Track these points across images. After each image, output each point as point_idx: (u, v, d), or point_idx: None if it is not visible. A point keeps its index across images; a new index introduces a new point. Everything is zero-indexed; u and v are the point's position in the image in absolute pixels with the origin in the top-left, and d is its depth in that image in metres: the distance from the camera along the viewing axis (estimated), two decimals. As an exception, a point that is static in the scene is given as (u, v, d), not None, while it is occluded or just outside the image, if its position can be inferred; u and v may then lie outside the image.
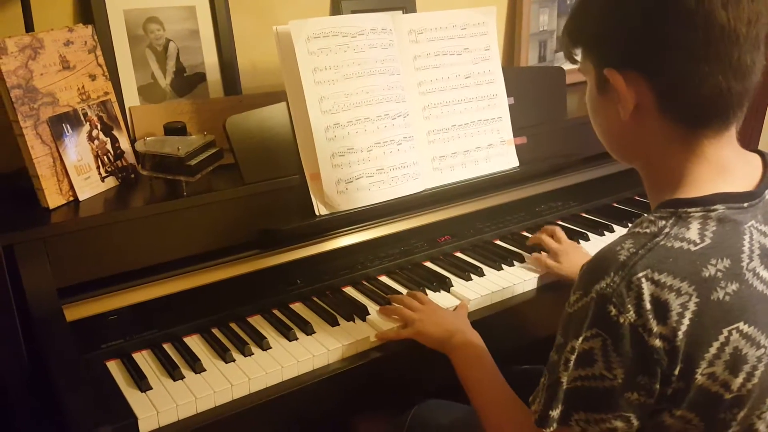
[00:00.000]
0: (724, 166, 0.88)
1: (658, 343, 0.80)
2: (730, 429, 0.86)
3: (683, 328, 0.80)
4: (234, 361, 1.21)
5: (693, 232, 0.84)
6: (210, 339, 1.27)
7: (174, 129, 1.43)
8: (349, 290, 1.46)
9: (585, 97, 0.99)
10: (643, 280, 0.81)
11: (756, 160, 0.93)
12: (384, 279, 1.50)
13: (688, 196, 0.87)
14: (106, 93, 1.40)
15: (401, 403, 1.37)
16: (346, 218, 1.45)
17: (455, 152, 1.59)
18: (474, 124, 1.62)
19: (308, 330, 1.29)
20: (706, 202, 0.85)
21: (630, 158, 0.97)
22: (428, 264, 1.57)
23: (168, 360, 1.20)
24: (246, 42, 1.70)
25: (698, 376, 0.82)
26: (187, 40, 1.62)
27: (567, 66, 1.65)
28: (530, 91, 1.73)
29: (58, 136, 1.28)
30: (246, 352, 1.23)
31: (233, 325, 1.32)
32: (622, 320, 0.81)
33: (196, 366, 1.18)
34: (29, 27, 1.39)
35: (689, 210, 0.85)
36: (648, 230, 0.85)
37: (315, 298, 1.42)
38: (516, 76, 1.71)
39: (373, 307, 1.38)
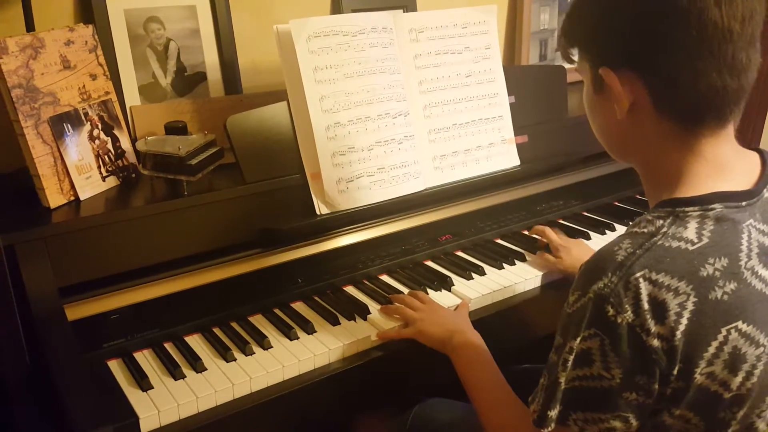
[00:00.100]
0: (723, 164, 0.88)
1: (656, 343, 0.80)
2: (730, 428, 0.86)
3: (681, 327, 0.80)
4: (235, 360, 1.21)
5: (690, 231, 0.83)
6: (211, 338, 1.27)
7: (175, 128, 1.43)
8: (350, 289, 1.46)
9: (582, 97, 0.99)
10: (641, 280, 0.81)
11: (755, 158, 0.93)
12: (385, 278, 1.50)
13: (686, 195, 0.87)
14: (107, 92, 1.40)
15: (402, 402, 1.37)
16: (347, 217, 1.44)
17: (456, 151, 1.59)
18: (475, 122, 1.61)
19: (309, 329, 1.29)
20: (704, 202, 0.85)
21: (628, 157, 0.97)
22: (429, 263, 1.57)
23: (169, 359, 1.20)
24: (246, 41, 1.70)
25: (697, 376, 0.82)
26: (187, 40, 1.62)
27: (568, 65, 1.64)
28: (531, 90, 1.73)
29: (59, 136, 1.28)
30: (247, 352, 1.23)
31: (234, 325, 1.32)
32: (620, 320, 0.81)
33: (197, 365, 1.18)
34: (30, 26, 1.39)
35: (687, 209, 0.85)
36: (645, 230, 0.85)
37: (316, 297, 1.42)
38: (517, 75, 1.71)
39: (374, 307, 1.38)
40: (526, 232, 1.70)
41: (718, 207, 0.85)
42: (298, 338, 1.28)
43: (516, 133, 1.68)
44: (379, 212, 1.49)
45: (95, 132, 1.36)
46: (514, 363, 1.45)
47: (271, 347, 1.25)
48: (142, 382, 1.14)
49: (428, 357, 1.26)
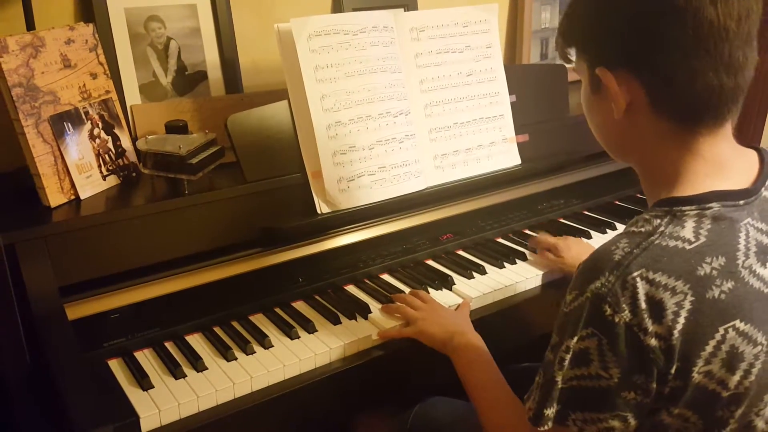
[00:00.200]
0: (721, 163, 0.88)
1: (653, 342, 0.80)
2: (728, 426, 0.86)
3: (679, 326, 0.80)
4: (236, 359, 1.21)
5: (688, 230, 0.83)
6: (212, 337, 1.27)
7: (175, 127, 1.43)
8: (351, 288, 1.46)
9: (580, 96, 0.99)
10: (638, 279, 0.81)
11: (753, 157, 0.93)
12: (386, 277, 1.50)
13: (684, 194, 0.87)
14: (108, 91, 1.40)
15: (403, 401, 1.37)
16: (348, 216, 1.44)
17: (457, 150, 1.59)
18: (476, 121, 1.61)
19: (310, 328, 1.29)
20: (701, 201, 0.85)
21: (626, 156, 0.97)
22: (430, 262, 1.57)
23: (170, 358, 1.20)
24: (247, 40, 1.70)
25: (695, 375, 0.82)
26: (188, 39, 1.62)
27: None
28: (532, 89, 1.73)
29: (59, 135, 1.28)
30: (248, 351, 1.22)
31: (235, 324, 1.32)
32: (617, 320, 0.81)
33: (197, 364, 1.18)
34: (30, 25, 1.39)
35: (684, 208, 0.85)
36: (643, 229, 0.85)
37: (317, 297, 1.41)
38: (518, 74, 1.71)
39: (375, 306, 1.37)
40: (528, 231, 1.70)
41: (715, 206, 0.85)
42: (299, 337, 1.28)
43: (517, 132, 1.67)
44: (380, 211, 1.49)
45: (96, 131, 1.36)
46: (514, 362, 1.45)
47: (272, 346, 1.25)
48: (143, 381, 1.14)
49: (429, 356, 1.26)
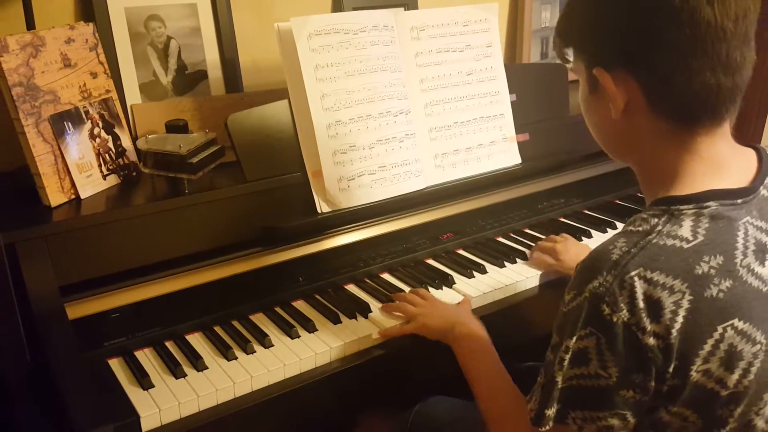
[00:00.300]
0: (719, 162, 0.88)
1: (651, 341, 0.80)
2: (728, 425, 0.86)
3: (677, 325, 0.80)
4: (236, 359, 1.21)
5: (685, 229, 0.83)
6: (212, 337, 1.27)
7: (175, 127, 1.43)
8: (352, 288, 1.46)
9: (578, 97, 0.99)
10: (636, 278, 0.81)
11: (751, 156, 0.93)
12: (386, 276, 1.50)
13: (681, 194, 0.87)
14: (108, 91, 1.40)
15: (404, 400, 1.37)
16: (348, 216, 1.44)
17: (457, 149, 1.59)
18: (476, 121, 1.61)
19: (310, 328, 1.29)
20: (699, 199, 0.85)
21: (624, 156, 0.97)
22: (430, 261, 1.57)
23: (170, 358, 1.20)
24: (247, 39, 1.70)
25: (693, 373, 0.82)
26: (188, 38, 1.62)
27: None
28: (532, 88, 1.73)
29: (59, 134, 1.28)
30: (248, 350, 1.22)
31: (235, 323, 1.32)
32: (615, 319, 0.81)
33: (198, 364, 1.18)
34: (30, 25, 1.39)
35: (682, 207, 0.85)
36: (641, 228, 0.85)
37: (317, 296, 1.41)
38: (518, 73, 1.71)
39: (375, 305, 1.37)
40: (528, 230, 1.70)
41: (713, 205, 0.85)
42: (299, 337, 1.27)
43: (517, 131, 1.67)
44: (381, 210, 1.49)
45: (96, 130, 1.36)
46: (515, 361, 1.44)
47: (272, 346, 1.25)
48: (143, 380, 1.14)
49: (429, 355, 1.26)
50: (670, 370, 0.82)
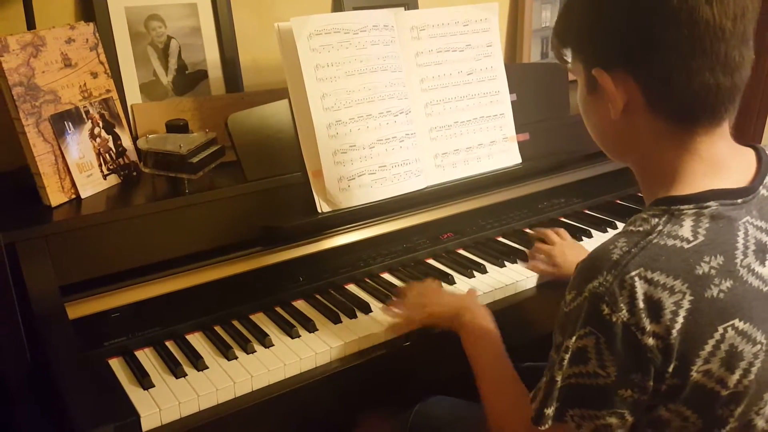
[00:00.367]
0: (718, 161, 0.88)
1: (651, 341, 0.80)
2: (728, 425, 0.86)
3: (677, 326, 0.80)
4: (236, 358, 1.21)
5: (686, 229, 0.83)
6: (212, 336, 1.27)
7: (176, 126, 1.43)
8: (352, 287, 1.46)
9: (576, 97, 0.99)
10: (636, 278, 0.81)
11: (750, 155, 0.93)
12: (387, 276, 1.50)
13: (682, 194, 0.87)
14: (108, 90, 1.40)
15: (404, 400, 1.37)
16: (349, 215, 1.44)
17: (457, 149, 1.59)
18: (476, 120, 1.61)
19: (311, 327, 1.29)
20: (699, 199, 0.85)
21: (623, 157, 0.97)
22: (431, 261, 1.57)
23: (170, 357, 1.20)
24: (248, 39, 1.70)
25: (694, 374, 0.82)
26: (188, 38, 1.62)
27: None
28: (532, 88, 1.73)
29: (59, 134, 1.28)
30: (248, 350, 1.22)
31: (236, 323, 1.32)
32: (614, 319, 0.81)
33: (198, 363, 1.18)
34: (31, 25, 1.39)
35: (682, 207, 0.85)
36: (641, 228, 0.85)
37: (317, 296, 1.41)
38: (518, 73, 1.71)
39: (375, 305, 1.37)
40: (528, 230, 1.70)
41: (713, 205, 0.85)
42: (299, 336, 1.27)
43: (517, 131, 1.67)
44: (381, 210, 1.49)
45: (96, 130, 1.36)
46: (516, 361, 1.44)
47: (273, 345, 1.25)
48: (143, 380, 1.14)
49: (430, 355, 1.26)
50: (670, 370, 0.82)
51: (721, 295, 0.82)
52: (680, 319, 0.80)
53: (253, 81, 1.72)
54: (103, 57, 1.39)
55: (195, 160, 1.32)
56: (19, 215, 1.22)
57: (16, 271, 1.12)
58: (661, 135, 0.89)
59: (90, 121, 1.35)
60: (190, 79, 1.64)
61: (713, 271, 0.82)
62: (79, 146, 1.32)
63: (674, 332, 0.80)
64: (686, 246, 0.82)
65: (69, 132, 1.30)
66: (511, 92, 1.67)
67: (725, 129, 0.89)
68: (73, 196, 1.31)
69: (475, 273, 1.50)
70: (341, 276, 1.46)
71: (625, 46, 0.86)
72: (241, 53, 1.69)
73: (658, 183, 0.91)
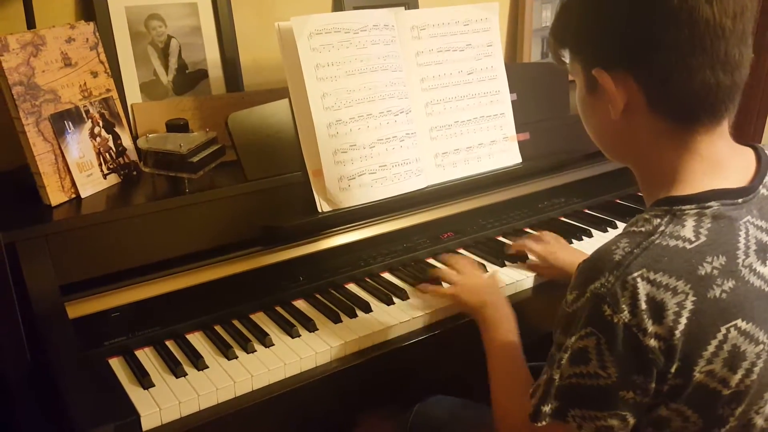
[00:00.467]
0: (718, 161, 0.88)
1: (653, 342, 0.80)
2: (728, 424, 0.86)
3: (680, 327, 0.80)
4: (236, 358, 1.21)
5: (688, 229, 0.83)
6: (212, 336, 1.27)
7: (176, 126, 1.43)
8: (352, 287, 1.46)
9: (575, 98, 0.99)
10: (639, 279, 0.80)
11: (750, 155, 0.93)
12: (387, 276, 1.50)
13: (683, 194, 0.87)
14: (108, 90, 1.40)
15: (404, 400, 1.37)
16: (349, 215, 1.44)
17: (458, 149, 1.59)
18: (476, 120, 1.61)
19: (311, 327, 1.29)
20: (701, 199, 0.85)
21: (623, 157, 0.97)
22: (431, 261, 1.56)
23: (170, 357, 1.20)
24: (248, 38, 1.70)
25: (696, 374, 0.82)
26: (188, 37, 1.62)
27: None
28: (533, 88, 1.73)
29: (59, 134, 1.28)
30: (248, 349, 1.22)
31: (236, 322, 1.32)
32: (616, 320, 0.81)
33: (198, 363, 1.18)
34: (31, 24, 1.39)
35: (684, 207, 0.85)
36: (643, 229, 0.85)
37: (317, 295, 1.41)
38: (518, 73, 1.71)
39: (375, 304, 1.37)
40: (528, 230, 1.70)
41: (714, 205, 0.85)
42: (299, 336, 1.27)
43: (518, 131, 1.67)
44: (381, 210, 1.49)
45: (96, 129, 1.36)
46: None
47: (273, 345, 1.25)
48: (144, 379, 1.13)
49: (430, 355, 1.26)
50: (672, 370, 0.81)
51: (724, 295, 0.82)
52: (683, 320, 0.80)
53: (253, 80, 1.71)
54: (103, 56, 1.39)
55: (195, 159, 1.32)
56: (19, 215, 1.22)
57: (16, 271, 1.12)
58: (661, 134, 0.88)
59: (90, 120, 1.35)
60: (190, 79, 1.64)
61: (715, 272, 0.82)
62: (79, 145, 1.32)
63: (677, 333, 0.80)
64: (688, 246, 0.82)
65: (69, 131, 1.30)
66: (511, 92, 1.66)
67: (725, 128, 0.89)
68: (73, 196, 1.31)
69: (476, 272, 1.49)
70: (341, 275, 1.46)
71: (624, 46, 0.86)
72: (241, 53, 1.69)
73: (658, 183, 0.91)
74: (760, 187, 0.89)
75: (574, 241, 1.65)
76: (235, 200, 1.35)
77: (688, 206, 0.85)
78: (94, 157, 1.35)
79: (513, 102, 1.67)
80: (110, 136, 1.39)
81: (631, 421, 0.85)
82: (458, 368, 1.40)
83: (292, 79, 1.39)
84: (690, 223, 0.84)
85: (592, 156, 1.75)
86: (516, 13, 2.17)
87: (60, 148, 1.28)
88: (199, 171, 1.33)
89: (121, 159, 1.40)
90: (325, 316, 1.34)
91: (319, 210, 1.42)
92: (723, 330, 0.81)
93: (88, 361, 1.15)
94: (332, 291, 1.43)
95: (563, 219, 1.78)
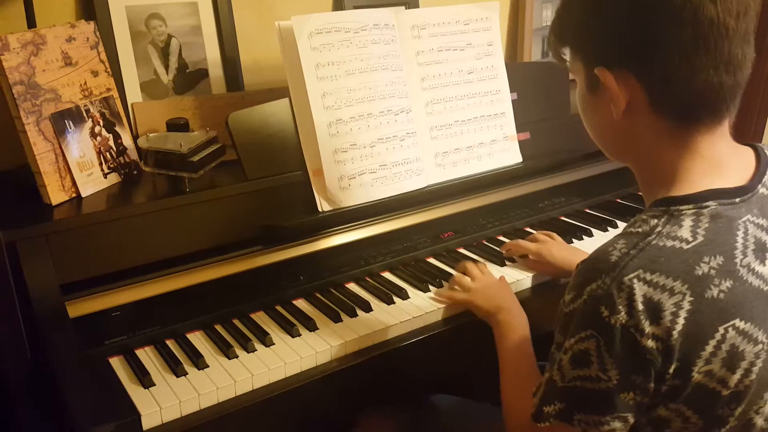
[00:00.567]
0: (718, 160, 0.88)
1: (650, 343, 0.80)
2: (728, 424, 0.86)
3: (678, 327, 0.80)
4: (237, 357, 1.21)
5: (685, 230, 0.83)
6: (213, 335, 1.27)
7: (176, 125, 1.43)
8: (352, 286, 1.46)
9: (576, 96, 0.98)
10: (635, 280, 0.80)
11: (749, 154, 0.93)
12: (387, 275, 1.50)
13: (681, 194, 0.87)
14: (109, 89, 1.40)
15: (405, 399, 1.37)
16: (349, 214, 1.44)
17: (458, 148, 1.59)
18: (477, 119, 1.61)
19: (311, 326, 1.29)
20: (699, 199, 0.85)
21: (623, 156, 0.97)
22: (431, 260, 1.56)
23: (171, 356, 1.20)
24: (248, 38, 1.70)
25: (695, 374, 0.82)
26: (189, 36, 1.62)
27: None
28: (533, 87, 1.73)
29: (60, 133, 1.28)
30: (249, 349, 1.22)
31: (236, 322, 1.32)
32: (613, 321, 0.80)
33: (199, 362, 1.18)
34: (31, 23, 1.39)
35: (681, 208, 0.85)
36: (640, 230, 0.85)
37: (318, 295, 1.41)
38: (519, 72, 1.71)
39: (376, 304, 1.37)
40: (529, 229, 1.70)
41: (712, 204, 0.85)
42: (300, 335, 1.27)
43: (518, 130, 1.67)
44: (381, 209, 1.49)
45: (97, 129, 1.36)
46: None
47: (273, 344, 1.25)
48: (144, 379, 1.14)
49: (431, 354, 1.26)
50: (670, 371, 0.81)
51: (722, 295, 0.81)
52: (681, 321, 0.80)
53: (253, 80, 1.71)
54: (103, 56, 1.39)
55: (195, 158, 1.32)
56: (20, 214, 1.22)
57: (17, 270, 1.13)
58: (662, 134, 0.88)
59: (90, 119, 1.35)
60: (190, 78, 1.64)
61: (713, 272, 0.82)
62: (80, 145, 1.32)
63: (675, 334, 0.80)
64: (685, 247, 0.82)
65: (69, 131, 1.30)
66: (511, 91, 1.66)
67: (725, 128, 0.89)
68: (74, 195, 1.31)
69: (476, 272, 1.49)
70: (342, 275, 1.46)
71: (626, 45, 0.85)
72: (241, 52, 1.69)
73: (657, 182, 0.91)
74: (760, 186, 0.89)
75: (574, 240, 1.65)
76: (235, 199, 1.35)
77: (685, 206, 0.85)
78: (95, 156, 1.35)
79: (513, 101, 1.67)
80: (111, 135, 1.39)
81: (632, 421, 0.85)
82: (459, 367, 1.41)
83: (293, 79, 1.39)
84: (687, 223, 0.84)
85: (593, 155, 1.75)
86: (516, 12, 2.17)
87: (60, 147, 1.28)
88: (200, 170, 1.33)
89: (121, 158, 1.40)
90: (325, 315, 1.34)
91: (320, 209, 1.42)
92: (721, 330, 0.81)
93: (89, 361, 1.15)
94: (332, 290, 1.43)
95: (564, 218, 1.78)
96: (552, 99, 1.77)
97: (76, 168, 1.30)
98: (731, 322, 0.82)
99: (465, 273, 1.41)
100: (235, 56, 1.67)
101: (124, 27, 1.53)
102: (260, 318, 1.33)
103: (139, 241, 1.26)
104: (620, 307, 0.80)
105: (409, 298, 1.40)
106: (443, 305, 1.36)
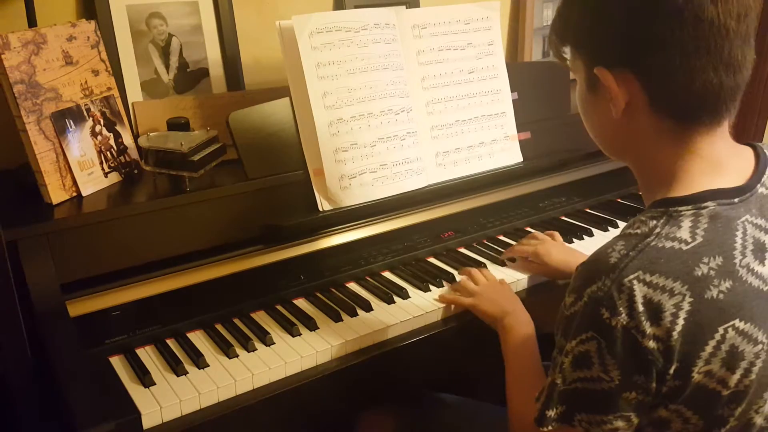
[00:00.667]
0: (717, 161, 0.88)
1: (651, 344, 0.80)
2: (728, 424, 0.86)
3: (678, 328, 0.80)
4: (237, 356, 1.21)
5: (684, 230, 0.83)
6: (213, 334, 1.27)
7: (177, 124, 1.43)
8: (353, 286, 1.46)
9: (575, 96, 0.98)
10: (635, 282, 0.80)
11: (749, 154, 0.93)
12: (387, 275, 1.50)
13: (680, 194, 0.87)
14: (109, 88, 1.40)
15: (405, 399, 1.37)
16: (349, 214, 1.44)
17: (459, 148, 1.59)
18: (477, 119, 1.61)
19: (311, 326, 1.29)
20: (697, 200, 0.85)
21: (623, 156, 0.97)
22: (432, 260, 1.57)
23: (171, 355, 1.20)
24: (249, 37, 1.70)
25: (695, 375, 0.82)
26: (190, 36, 1.62)
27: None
28: (534, 87, 1.73)
29: (61, 132, 1.28)
30: (249, 348, 1.22)
31: (236, 321, 1.32)
32: (614, 323, 0.81)
33: (199, 361, 1.18)
34: (32, 22, 1.39)
35: (680, 208, 0.85)
36: (639, 231, 0.85)
37: (318, 294, 1.41)
38: (519, 72, 1.71)
39: (376, 303, 1.37)
40: (529, 229, 1.70)
41: (711, 204, 0.85)
42: (300, 335, 1.28)
43: (519, 130, 1.67)
44: (382, 209, 1.49)
45: (97, 128, 1.36)
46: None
47: (273, 344, 1.25)
48: (144, 378, 1.14)
49: (431, 353, 1.26)
50: (671, 371, 0.81)
51: (721, 295, 0.81)
52: (681, 321, 0.80)
53: (254, 79, 1.71)
54: (104, 55, 1.39)
55: (196, 158, 1.32)
56: (21, 213, 1.22)
57: (18, 269, 1.13)
58: (661, 134, 0.88)
59: (91, 118, 1.35)
60: (191, 77, 1.64)
61: (712, 272, 0.82)
62: (81, 144, 1.32)
63: (675, 334, 0.80)
64: (685, 247, 0.82)
65: (70, 130, 1.30)
66: (512, 91, 1.66)
67: (725, 128, 0.89)
68: (75, 194, 1.31)
69: (476, 271, 1.49)
70: (342, 274, 1.46)
71: (627, 45, 0.85)
72: (242, 51, 1.69)
73: (657, 182, 0.91)
74: (758, 185, 0.89)
75: (575, 240, 1.65)
76: (235, 199, 1.35)
77: (684, 207, 0.85)
78: (95, 155, 1.35)
79: (514, 101, 1.67)
80: (111, 134, 1.39)
81: (635, 420, 0.85)
82: (459, 367, 1.41)
83: (293, 78, 1.39)
84: (686, 223, 0.84)
85: (593, 155, 1.75)
86: (517, 12, 2.17)
87: (61, 146, 1.28)
88: (200, 169, 1.33)
89: (122, 157, 1.40)
90: (325, 314, 1.34)
91: (320, 209, 1.42)
92: (721, 330, 0.81)
93: (90, 360, 1.15)
94: (333, 290, 1.43)
95: (564, 218, 1.78)
96: (552, 99, 1.77)
97: (76, 167, 1.30)
98: (731, 323, 0.82)
99: (469, 278, 1.41)
100: (235, 55, 1.67)
101: (124, 26, 1.53)
102: (261, 317, 1.33)
103: (139, 241, 1.26)
104: (621, 308, 0.80)
105: (409, 297, 1.40)
106: (443, 305, 1.36)
